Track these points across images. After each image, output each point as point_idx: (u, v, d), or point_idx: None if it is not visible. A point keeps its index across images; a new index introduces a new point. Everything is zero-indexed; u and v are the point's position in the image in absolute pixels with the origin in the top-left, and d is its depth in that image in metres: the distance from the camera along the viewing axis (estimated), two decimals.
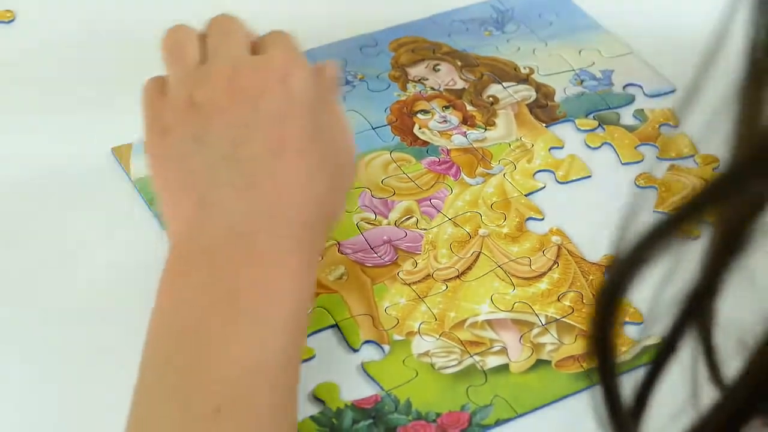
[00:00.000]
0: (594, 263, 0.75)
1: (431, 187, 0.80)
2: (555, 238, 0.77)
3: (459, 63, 0.90)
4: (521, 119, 0.86)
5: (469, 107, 0.87)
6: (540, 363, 0.70)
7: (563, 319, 0.72)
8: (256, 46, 0.69)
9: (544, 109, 0.87)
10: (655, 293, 0.41)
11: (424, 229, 0.77)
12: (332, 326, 0.71)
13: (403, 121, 0.85)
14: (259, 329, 0.60)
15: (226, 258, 0.62)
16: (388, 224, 0.78)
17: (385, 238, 0.77)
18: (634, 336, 0.70)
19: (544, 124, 0.85)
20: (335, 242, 0.76)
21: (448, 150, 0.83)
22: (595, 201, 0.80)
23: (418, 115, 0.86)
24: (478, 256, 0.76)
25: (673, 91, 0.88)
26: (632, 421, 0.44)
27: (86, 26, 0.94)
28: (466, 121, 0.85)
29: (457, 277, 0.74)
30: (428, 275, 0.74)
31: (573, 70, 0.90)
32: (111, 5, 0.96)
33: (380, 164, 0.82)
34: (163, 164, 0.67)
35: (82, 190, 0.80)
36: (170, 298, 0.62)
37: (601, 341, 0.43)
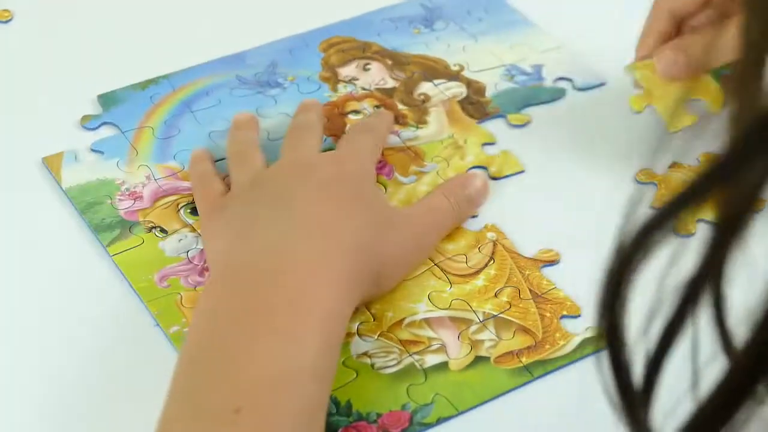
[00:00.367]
0: (530, 258, 0.75)
1: None
2: (490, 235, 0.77)
3: (389, 62, 0.90)
4: (453, 116, 0.86)
5: (400, 106, 0.86)
6: (479, 360, 0.70)
7: (501, 315, 0.72)
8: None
9: (475, 105, 0.87)
10: (660, 278, 0.42)
11: None
12: None
13: (335, 121, 0.85)
14: (288, 340, 0.62)
15: (260, 271, 0.66)
16: None
17: None
18: (573, 329, 0.71)
19: (475, 121, 0.86)
20: None
21: None
22: (528, 196, 0.80)
23: (350, 116, 0.86)
24: None
25: (602, 84, 0.89)
26: (642, 400, 0.44)
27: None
28: (398, 119, 0.85)
29: None
30: None
31: (503, 65, 0.90)
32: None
33: None
34: (214, 223, 0.73)
35: (11, 199, 0.79)
36: (203, 312, 0.65)
37: (610, 323, 0.43)
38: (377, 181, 0.79)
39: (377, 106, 0.86)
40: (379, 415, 0.66)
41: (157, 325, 0.71)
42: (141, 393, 0.67)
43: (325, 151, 0.80)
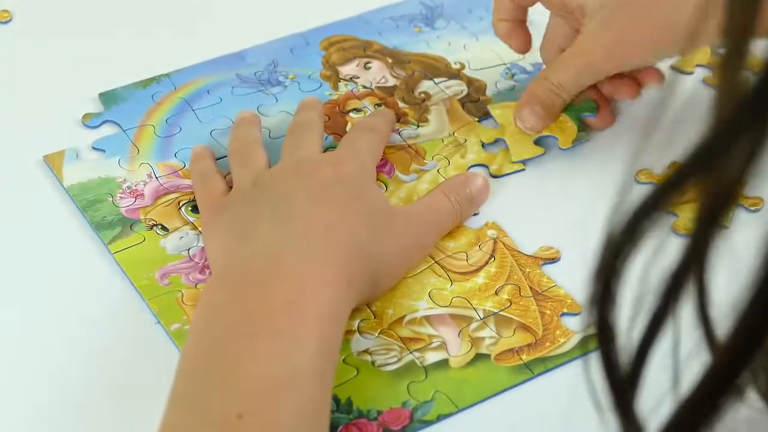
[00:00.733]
0: (530, 256, 0.75)
1: None
2: (491, 232, 0.77)
3: (390, 60, 0.90)
4: (453, 115, 0.86)
5: (401, 104, 0.87)
6: (479, 357, 0.70)
7: (501, 313, 0.72)
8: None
9: (476, 103, 0.87)
10: (644, 270, 0.42)
11: None
12: None
13: (336, 120, 0.85)
14: (288, 341, 0.62)
15: (260, 274, 0.66)
16: None
17: None
18: (573, 327, 0.71)
19: (476, 119, 0.86)
20: None
21: None
22: (529, 194, 0.80)
23: (351, 114, 0.86)
24: None
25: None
26: (629, 389, 0.45)
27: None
28: (399, 118, 0.85)
29: None
30: None
31: (504, 63, 0.90)
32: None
33: None
34: (215, 223, 0.73)
35: (13, 197, 0.79)
36: (203, 315, 0.65)
37: (600, 315, 0.43)
38: (378, 180, 0.79)
39: (378, 105, 0.86)
40: (379, 413, 0.67)
41: (158, 322, 0.71)
42: (142, 390, 0.67)
43: (326, 149, 0.80)
